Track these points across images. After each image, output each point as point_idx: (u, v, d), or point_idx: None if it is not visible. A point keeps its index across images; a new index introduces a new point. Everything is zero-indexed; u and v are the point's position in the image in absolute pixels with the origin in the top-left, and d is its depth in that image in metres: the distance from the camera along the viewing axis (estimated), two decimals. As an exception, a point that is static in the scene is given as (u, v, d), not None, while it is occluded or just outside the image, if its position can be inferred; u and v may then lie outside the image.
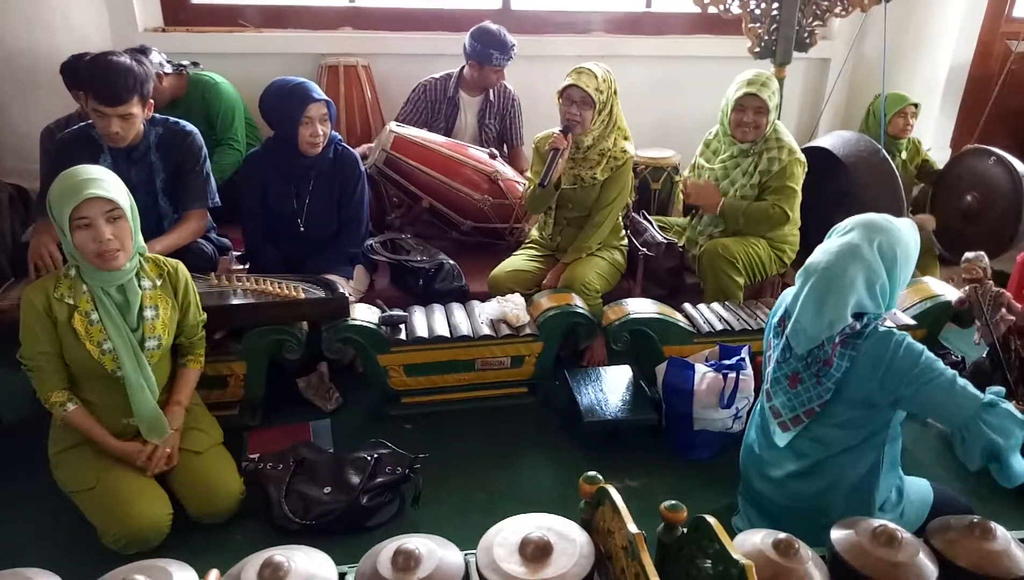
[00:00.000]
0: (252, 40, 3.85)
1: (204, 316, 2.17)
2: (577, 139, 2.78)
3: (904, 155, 3.71)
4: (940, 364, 1.70)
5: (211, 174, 2.62)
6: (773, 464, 1.90)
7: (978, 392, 1.69)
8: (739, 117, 2.81)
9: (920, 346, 1.72)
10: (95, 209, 1.82)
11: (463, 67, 3.57)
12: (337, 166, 2.72)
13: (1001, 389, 1.73)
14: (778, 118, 2.98)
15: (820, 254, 1.80)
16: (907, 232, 1.77)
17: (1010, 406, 1.68)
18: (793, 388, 1.83)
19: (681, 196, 3.12)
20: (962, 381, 1.70)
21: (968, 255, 2.49)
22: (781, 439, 1.87)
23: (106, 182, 1.86)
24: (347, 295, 2.50)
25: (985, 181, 3.53)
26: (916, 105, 3.61)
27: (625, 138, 2.88)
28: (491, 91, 3.62)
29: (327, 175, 2.71)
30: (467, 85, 3.60)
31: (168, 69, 3.21)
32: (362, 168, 2.82)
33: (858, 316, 1.75)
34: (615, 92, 2.79)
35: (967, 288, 2.45)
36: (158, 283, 2.02)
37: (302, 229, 2.73)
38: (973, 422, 1.66)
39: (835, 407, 1.78)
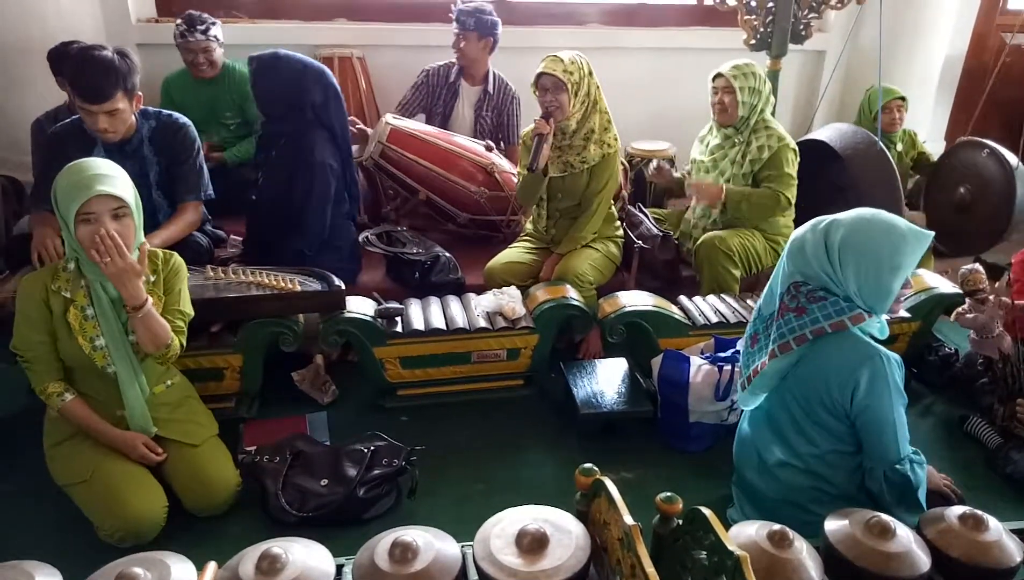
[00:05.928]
0: (245, 31, 3.83)
1: (190, 311, 2.06)
2: (561, 125, 2.77)
3: (900, 147, 3.70)
4: (898, 405, 1.72)
5: (204, 166, 2.61)
6: (765, 456, 1.91)
7: (905, 445, 1.74)
8: (712, 100, 2.93)
9: (893, 382, 1.71)
10: (102, 206, 1.81)
11: None
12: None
13: (922, 459, 1.79)
14: (772, 112, 2.98)
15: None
16: (875, 232, 1.68)
17: (915, 471, 1.74)
18: (752, 347, 1.92)
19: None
20: (902, 424, 1.73)
21: (965, 269, 2.46)
22: (744, 401, 1.96)
23: (115, 179, 1.85)
24: (343, 287, 2.49)
25: (978, 174, 3.53)
26: (903, 99, 3.61)
27: (609, 121, 2.87)
28: (489, 83, 3.62)
29: None
30: (468, 74, 3.60)
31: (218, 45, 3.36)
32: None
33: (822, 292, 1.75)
34: (590, 73, 2.76)
35: (970, 304, 2.39)
36: (152, 279, 2.00)
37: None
38: (879, 469, 1.74)
39: (812, 406, 1.79)
